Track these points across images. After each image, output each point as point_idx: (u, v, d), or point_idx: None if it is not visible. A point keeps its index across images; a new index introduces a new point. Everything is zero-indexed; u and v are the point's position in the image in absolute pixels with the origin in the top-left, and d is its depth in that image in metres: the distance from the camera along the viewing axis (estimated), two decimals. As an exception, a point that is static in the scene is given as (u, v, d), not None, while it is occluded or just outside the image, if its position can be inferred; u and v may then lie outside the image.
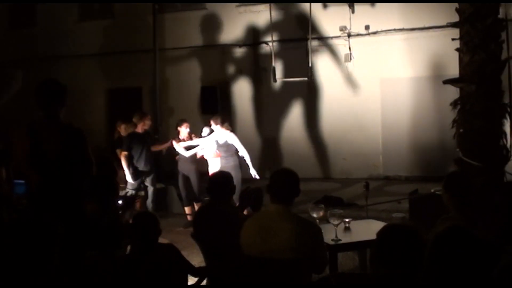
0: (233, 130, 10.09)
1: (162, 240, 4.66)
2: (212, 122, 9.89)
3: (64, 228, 4.03)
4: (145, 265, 4.20)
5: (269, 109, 15.65)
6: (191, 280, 4.83)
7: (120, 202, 5.53)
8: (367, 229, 5.73)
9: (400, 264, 2.76)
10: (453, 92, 9.66)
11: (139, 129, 9.78)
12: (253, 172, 9.85)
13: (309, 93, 15.14)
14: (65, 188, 4.59)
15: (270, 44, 14.16)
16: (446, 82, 9.18)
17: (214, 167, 9.81)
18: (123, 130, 10.24)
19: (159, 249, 4.41)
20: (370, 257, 2.95)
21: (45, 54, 17.04)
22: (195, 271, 4.74)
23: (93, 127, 15.01)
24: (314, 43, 14.02)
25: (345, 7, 14.66)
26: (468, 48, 8.58)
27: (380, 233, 2.91)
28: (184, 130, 10.29)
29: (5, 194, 6.03)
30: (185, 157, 10.06)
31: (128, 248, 5.07)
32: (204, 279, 4.87)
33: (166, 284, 4.28)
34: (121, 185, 8.96)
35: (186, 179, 10.27)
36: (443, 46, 13.11)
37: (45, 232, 2.93)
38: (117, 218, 5.19)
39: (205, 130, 10.21)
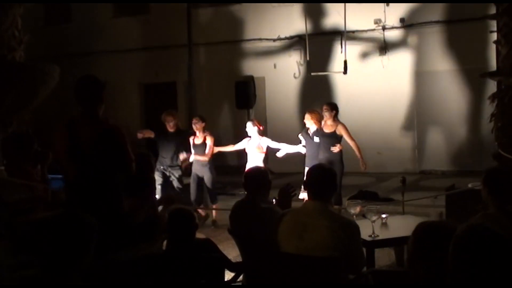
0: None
1: (199, 235, 4.69)
2: (309, 117, 9.13)
3: (99, 224, 4.10)
4: (183, 260, 4.23)
5: (304, 103, 15.60)
6: (228, 275, 4.86)
7: (157, 197, 5.58)
8: (404, 225, 5.69)
9: (438, 261, 2.74)
10: (490, 85, 9.54)
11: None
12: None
13: (344, 86, 15.06)
14: (101, 184, 4.64)
15: (305, 37, 14.11)
16: (483, 75, 9.06)
17: (255, 162, 9.21)
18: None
19: (196, 244, 4.44)
20: (407, 255, 2.93)
21: (80, 50, 17.22)
22: (232, 266, 4.76)
23: (128, 122, 15.16)
24: (349, 36, 13.93)
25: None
26: (507, 40, 8.44)
27: (417, 231, 2.88)
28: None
29: (40, 195, 6.10)
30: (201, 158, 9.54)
31: (165, 243, 5.11)
32: (241, 274, 4.89)
33: (204, 279, 4.30)
34: None
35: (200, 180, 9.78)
36: (479, 39, 12.97)
37: (82, 228, 2.95)
38: (154, 213, 5.24)
39: (249, 125, 9.46)
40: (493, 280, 2.30)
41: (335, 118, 9.03)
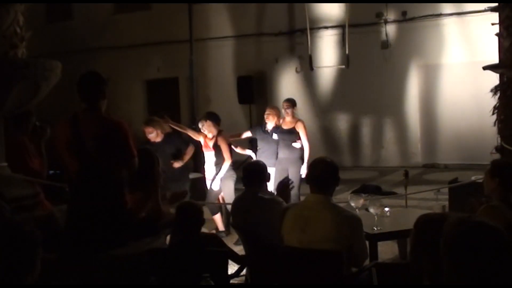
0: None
1: (203, 229, 4.72)
2: (273, 112, 8.79)
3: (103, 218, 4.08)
4: (189, 255, 4.24)
5: (306, 97, 15.59)
6: (232, 269, 4.87)
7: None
8: (407, 218, 5.68)
9: (440, 253, 2.73)
10: (492, 78, 9.49)
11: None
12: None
13: (346, 81, 15.05)
14: (104, 179, 4.64)
15: (306, 32, 14.09)
16: (486, 68, 9.01)
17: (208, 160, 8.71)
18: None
19: (202, 239, 4.45)
20: (410, 248, 2.93)
21: (82, 46, 17.23)
22: (238, 259, 4.79)
23: (131, 118, 15.15)
24: (350, 30, 13.91)
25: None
26: (509, 32, 8.41)
27: (418, 223, 2.88)
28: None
29: (36, 169, 6.11)
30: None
31: (168, 238, 5.13)
32: (245, 267, 4.91)
33: (209, 274, 4.31)
34: None
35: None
36: (481, 31, 12.93)
37: (25, 240, 2.74)
38: (158, 208, 5.24)
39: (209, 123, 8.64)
40: (486, 273, 2.28)
41: (294, 114, 8.81)
